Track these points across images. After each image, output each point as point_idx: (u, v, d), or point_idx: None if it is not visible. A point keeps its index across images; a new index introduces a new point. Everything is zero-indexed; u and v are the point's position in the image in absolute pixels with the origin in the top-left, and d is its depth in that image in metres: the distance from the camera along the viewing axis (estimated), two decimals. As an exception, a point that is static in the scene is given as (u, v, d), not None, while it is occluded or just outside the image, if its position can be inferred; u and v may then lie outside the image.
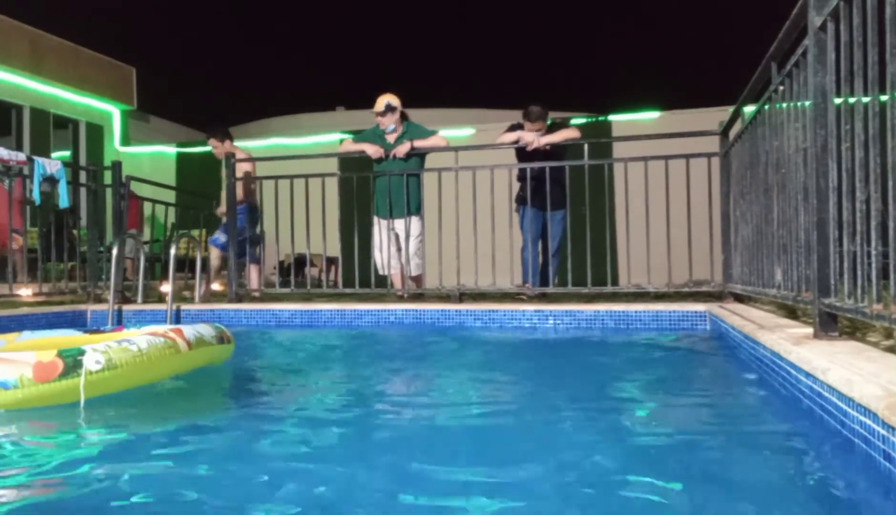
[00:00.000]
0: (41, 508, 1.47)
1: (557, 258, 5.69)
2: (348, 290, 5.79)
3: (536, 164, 5.43)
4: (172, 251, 5.19)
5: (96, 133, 12.32)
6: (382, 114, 5.80)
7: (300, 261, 7.39)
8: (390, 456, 1.80)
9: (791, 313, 3.25)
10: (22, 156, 5.77)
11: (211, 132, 6.51)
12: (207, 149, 11.93)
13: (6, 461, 1.82)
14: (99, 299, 5.89)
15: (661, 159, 5.08)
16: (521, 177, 5.69)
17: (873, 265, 1.92)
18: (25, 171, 5.84)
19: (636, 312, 4.55)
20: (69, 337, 3.01)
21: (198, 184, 5.90)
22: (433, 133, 5.87)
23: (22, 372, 2.22)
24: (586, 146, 5.51)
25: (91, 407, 2.29)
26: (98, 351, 2.38)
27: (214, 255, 6.44)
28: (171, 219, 7.77)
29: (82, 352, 2.34)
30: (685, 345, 3.84)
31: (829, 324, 2.30)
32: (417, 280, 5.80)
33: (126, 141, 12.65)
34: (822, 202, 2.34)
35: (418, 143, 5.71)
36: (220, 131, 6.45)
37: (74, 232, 7.13)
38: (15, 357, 2.31)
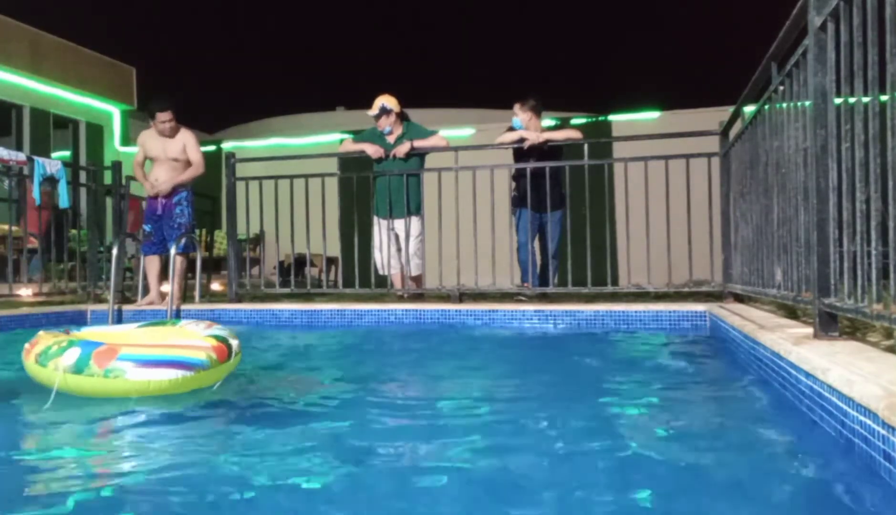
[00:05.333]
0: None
1: (557, 259, 5.68)
2: (348, 290, 5.79)
3: (536, 164, 5.43)
4: (172, 251, 5.20)
5: (96, 133, 12.32)
6: (377, 116, 5.80)
7: (300, 261, 7.40)
8: (393, 461, 1.80)
9: (791, 313, 3.25)
10: (22, 156, 5.78)
11: (161, 104, 5.44)
12: (208, 148, 11.89)
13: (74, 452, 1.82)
14: (99, 299, 5.90)
15: (661, 159, 5.08)
16: (517, 176, 5.69)
17: (873, 265, 1.92)
18: (25, 171, 5.84)
19: (636, 312, 4.55)
20: (148, 329, 3.07)
21: (198, 184, 5.88)
22: (433, 133, 5.87)
23: (210, 354, 2.51)
24: (586, 146, 5.51)
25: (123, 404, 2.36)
26: (236, 339, 2.70)
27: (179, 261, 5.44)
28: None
29: (228, 339, 2.66)
30: (685, 345, 3.84)
31: (829, 324, 2.30)
32: (417, 280, 5.80)
33: (126, 141, 12.65)
34: (822, 202, 2.34)
35: (418, 143, 5.71)
36: (174, 104, 5.48)
37: (73, 231, 7.11)
38: (195, 343, 2.57)
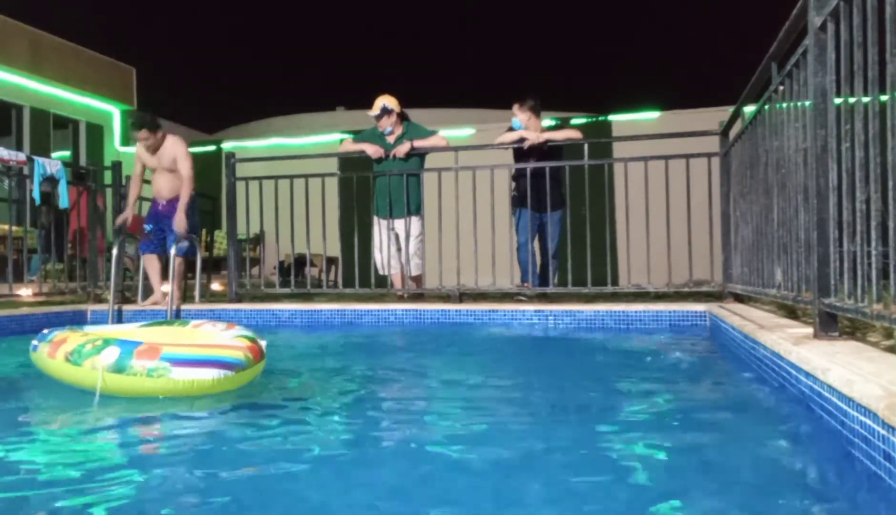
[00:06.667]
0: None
1: (557, 259, 5.69)
2: (348, 290, 5.79)
3: (536, 164, 5.43)
4: (172, 251, 5.19)
5: (96, 133, 12.33)
6: (378, 116, 5.80)
7: (300, 261, 7.39)
8: (394, 466, 1.80)
9: (791, 313, 3.25)
10: (22, 156, 5.78)
11: (142, 121, 5.36)
12: (208, 148, 11.87)
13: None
14: (99, 299, 5.90)
15: (661, 159, 5.08)
16: (517, 176, 5.69)
17: (873, 265, 1.91)
18: (25, 171, 5.85)
19: (636, 312, 4.55)
20: (169, 327, 3.06)
21: (198, 184, 5.87)
22: (433, 133, 5.87)
23: (247, 353, 2.54)
24: (586, 146, 5.51)
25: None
26: (263, 340, 2.72)
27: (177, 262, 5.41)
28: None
29: (257, 339, 2.69)
30: (685, 345, 3.84)
31: (829, 324, 2.30)
32: (417, 280, 5.80)
33: (126, 141, 12.65)
34: (822, 202, 2.34)
35: (418, 143, 5.71)
36: (150, 120, 5.38)
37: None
38: (231, 342, 2.59)
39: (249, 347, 2.58)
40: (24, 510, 1.44)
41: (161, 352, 2.39)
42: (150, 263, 5.65)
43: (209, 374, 2.39)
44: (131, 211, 5.56)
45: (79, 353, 2.45)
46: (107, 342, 2.47)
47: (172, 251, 5.22)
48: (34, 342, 2.72)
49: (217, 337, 2.75)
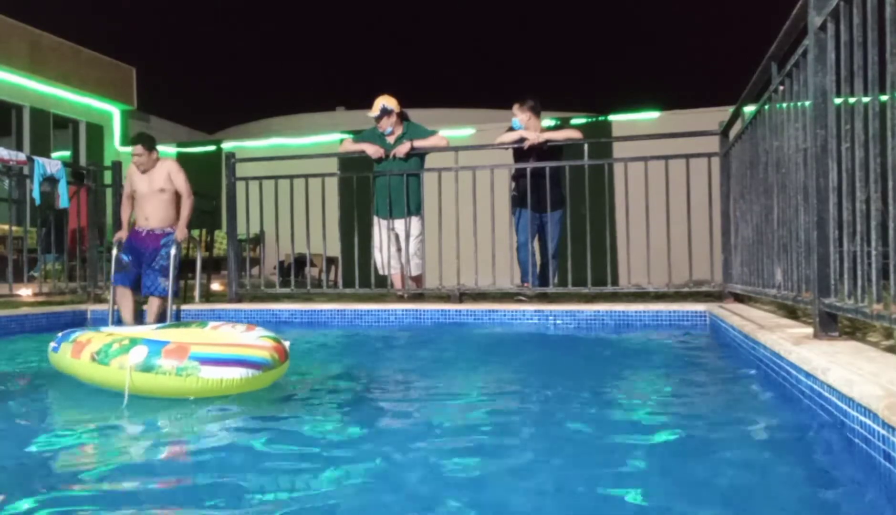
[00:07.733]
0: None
1: (557, 259, 5.68)
2: (348, 290, 5.79)
3: (536, 164, 5.43)
4: (173, 251, 5.19)
5: (96, 133, 12.33)
6: (378, 117, 5.80)
7: (300, 261, 7.39)
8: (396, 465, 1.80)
9: (791, 313, 3.25)
10: (22, 156, 5.78)
11: (140, 137, 5.27)
12: (208, 148, 11.88)
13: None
14: (99, 299, 5.90)
15: (661, 159, 5.08)
16: (517, 176, 5.68)
17: (873, 265, 1.92)
18: (25, 171, 5.85)
19: (636, 312, 4.55)
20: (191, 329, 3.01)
21: (198, 184, 5.86)
22: (433, 133, 5.87)
23: (273, 354, 2.53)
24: (586, 146, 5.51)
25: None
26: (287, 341, 2.70)
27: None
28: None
29: (281, 340, 2.67)
30: (685, 345, 3.84)
31: (829, 324, 2.30)
32: (417, 280, 5.80)
33: (126, 141, 12.65)
34: (822, 202, 2.34)
35: (418, 143, 5.71)
36: (147, 137, 5.27)
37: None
38: (257, 342, 2.58)
39: (275, 347, 2.57)
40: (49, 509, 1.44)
41: (190, 351, 2.36)
42: (124, 299, 5.14)
43: (237, 373, 2.38)
44: (126, 231, 5.32)
45: (105, 353, 2.42)
46: (134, 341, 2.44)
47: (154, 300, 5.07)
48: (53, 343, 2.69)
49: (241, 337, 2.73)
